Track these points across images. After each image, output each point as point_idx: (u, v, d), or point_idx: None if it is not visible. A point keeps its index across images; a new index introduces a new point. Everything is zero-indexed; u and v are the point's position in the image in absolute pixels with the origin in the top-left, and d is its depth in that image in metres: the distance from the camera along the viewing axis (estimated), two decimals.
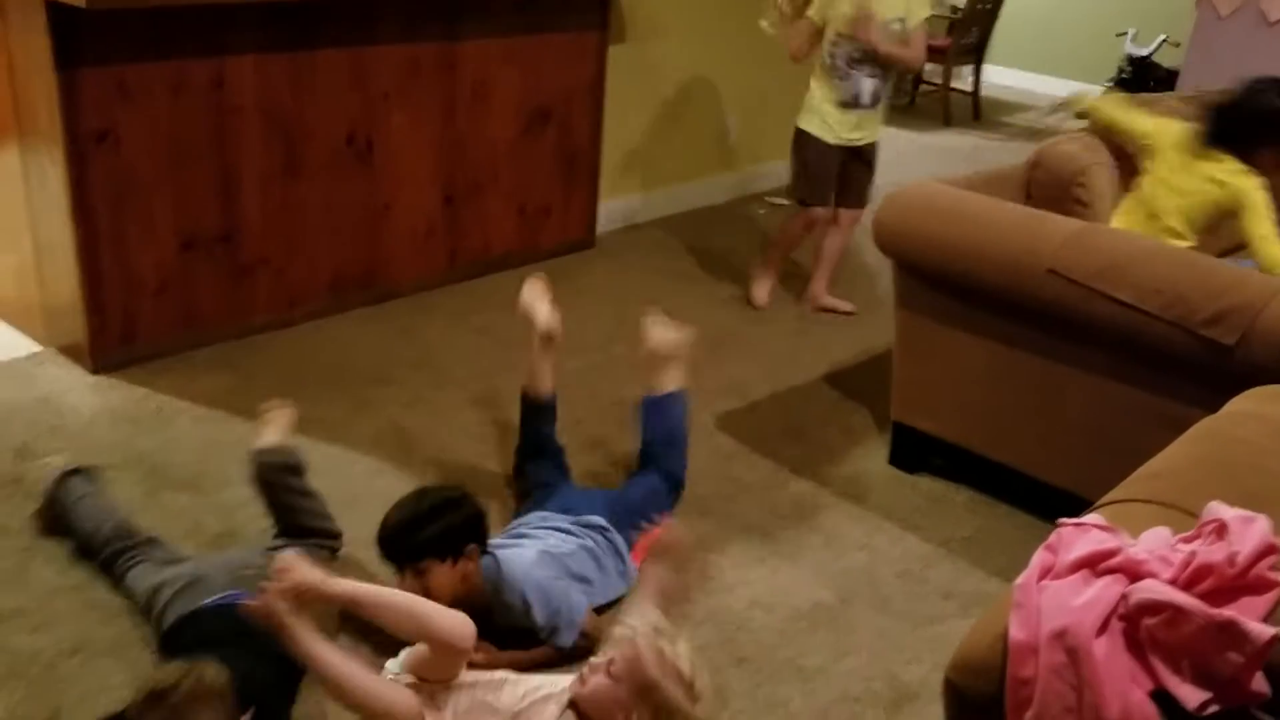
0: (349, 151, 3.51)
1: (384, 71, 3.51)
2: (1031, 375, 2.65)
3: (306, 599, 1.79)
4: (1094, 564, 1.17)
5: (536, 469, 2.62)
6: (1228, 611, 1.05)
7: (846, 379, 3.48)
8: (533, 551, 2.25)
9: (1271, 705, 1.05)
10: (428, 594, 2.04)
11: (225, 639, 1.87)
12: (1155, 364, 2.43)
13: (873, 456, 3.05)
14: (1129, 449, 2.52)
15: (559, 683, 1.88)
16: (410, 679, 1.89)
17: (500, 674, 1.94)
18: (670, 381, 2.70)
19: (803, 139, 3.72)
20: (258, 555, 2.15)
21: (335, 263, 3.59)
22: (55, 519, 2.39)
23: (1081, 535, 1.20)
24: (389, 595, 1.88)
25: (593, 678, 1.78)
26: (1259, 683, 1.04)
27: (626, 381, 3.32)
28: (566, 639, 2.15)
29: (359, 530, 2.54)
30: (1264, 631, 1.04)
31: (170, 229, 3.16)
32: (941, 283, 2.74)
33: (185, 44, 3.03)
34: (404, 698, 1.82)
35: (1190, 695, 1.05)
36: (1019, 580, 1.19)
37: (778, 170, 5.27)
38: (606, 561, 2.36)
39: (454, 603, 1.95)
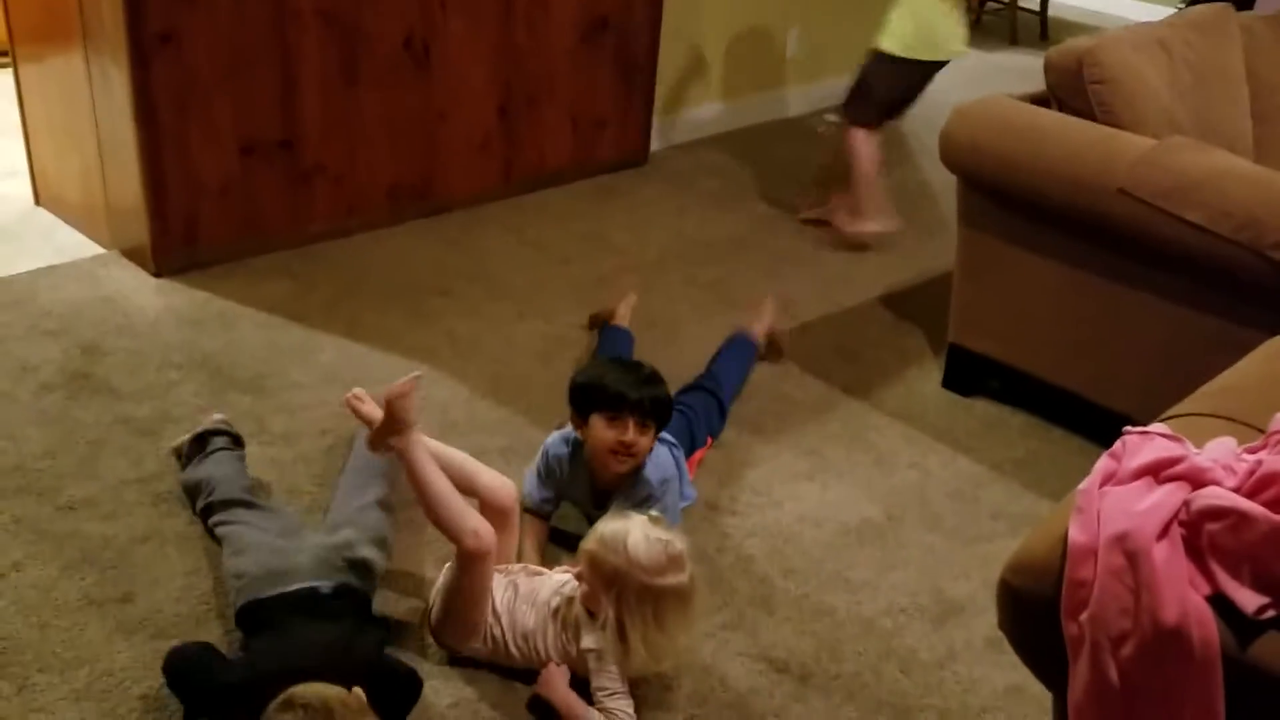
0: (406, 56, 3.49)
1: None
2: (1096, 298, 2.61)
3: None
4: (1157, 471, 1.16)
5: None
6: None
7: (901, 301, 3.45)
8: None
9: None
10: (633, 449, 2.16)
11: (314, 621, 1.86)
12: (1223, 288, 2.39)
13: (927, 379, 3.04)
14: (1192, 374, 2.48)
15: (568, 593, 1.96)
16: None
17: (534, 569, 2.04)
18: (759, 328, 2.93)
19: (889, 62, 3.58)
20: (341, 542, 2.02)
21: (392, 172, 3.60)
22: (188, 459, 2.32)
23: (1146, 443, 1.20)
24: (465, 459, 2.10)
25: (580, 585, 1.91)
26: None
27: (679, 300, 3.33)
28: (672, 507, 2.22)
29: (425, 434, 2.59)
30: None
31: (231, 133, 3.18)
32: (1008, 201, 2.70)
33: None
34: (486, 525, 1.92)
35: (1249, 600, 1.05)
36: (1081, 485, 1.19)
37: (841, 86, 5.17)
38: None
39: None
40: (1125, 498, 1.14)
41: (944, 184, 4.16)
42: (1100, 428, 2.71)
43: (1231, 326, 2.41)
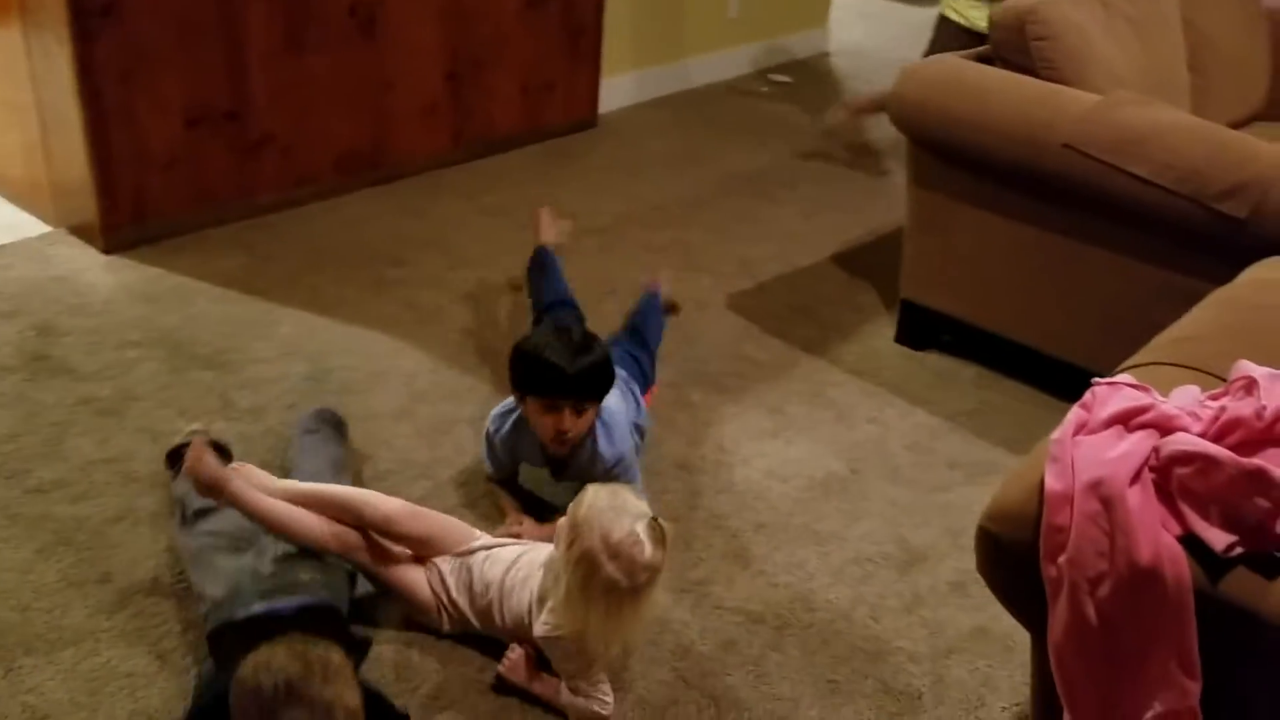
0: (352, 23, 3.46)
1: None
2: (1044, 251, 2.69)
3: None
4: (1127, 420, 1.22)
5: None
6: (1257, 460, 1.11)
7: (854, 260, 3.51)
8: (613, 398, 2.26)
9: None
10: (568, 436, 2.13)
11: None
12: (1168, 238, 2.47)
13: (881, 335, 3.11)
14: (1138, 323, 2.58)
15: (536, 560, 1.94)
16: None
17: (481, 545, 2.01)
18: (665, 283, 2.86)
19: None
20: (306, 557, 1.91)
21: (342, 140, 3.57)
22: (172, 472, 2.22)
23: (1115, 393, 1.26)
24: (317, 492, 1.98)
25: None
26: None
27: (638, 264, 3.35)
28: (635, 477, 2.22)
29: (387, 405, 2.61)
30: None
31: (177, 105, 3.14)
32: (957, 158, 2.76)
33: None
34: (421, 587, 1.93)
35: (1218, 539, 1.12)
36: (1055, 435, 1.25)
37: (785, 45, 5.21)
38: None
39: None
40: (1098, 446, 1.21)
41: (890, 142, 4.24)
42: (1047, 377, 2.82)
43: (1175, 276, 2.50)
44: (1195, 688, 1.14)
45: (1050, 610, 1.21)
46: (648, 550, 1.75)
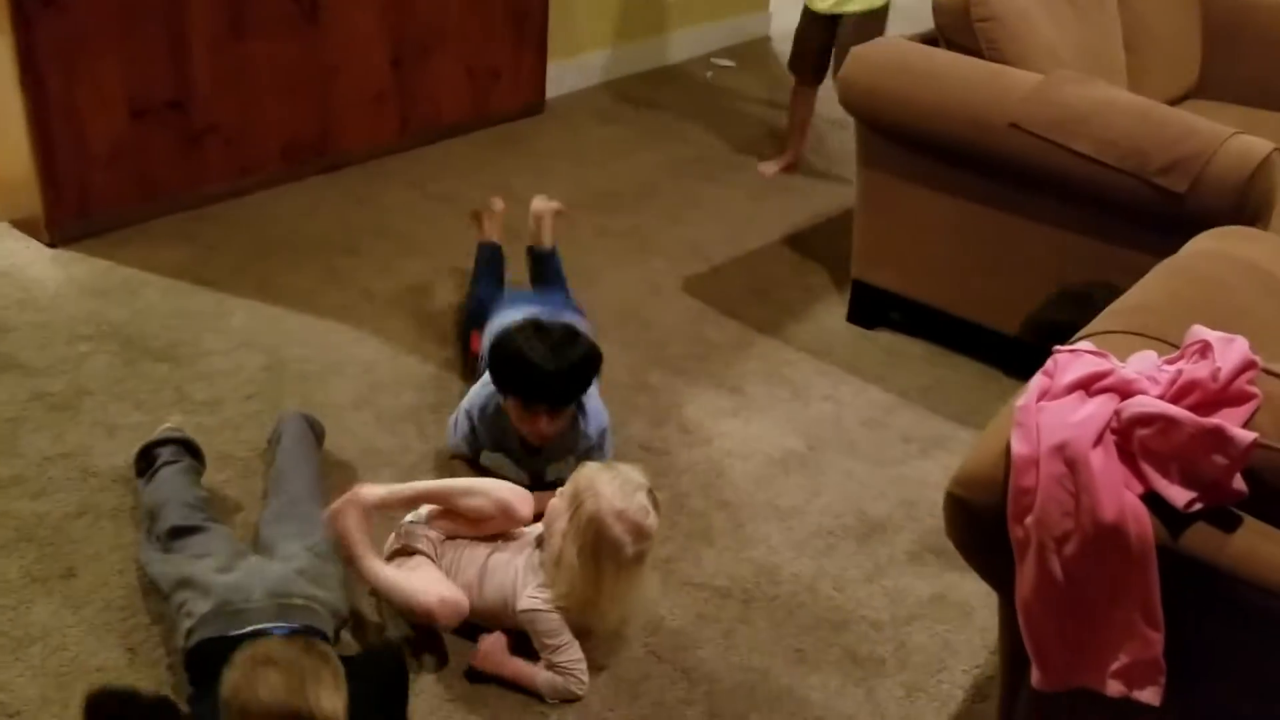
0: (295, 10, 3.42)
1: None
2: (992, 229, 2.76)
3: (380, 508, 1.93)
4: (1088, 385, 1.27)
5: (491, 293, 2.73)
6: (1214, 420, 1.17)
7: (803, 242, 3.56)
8: None
9: (1247, 504, 1.17)
10: (547, 436, 2.17)
11: None
12: (1111, 213, 2.55)
13: (833, 314, 3.16)
14: None
15: (518, 545, 1.98)
16: (428, 531, 1.99)
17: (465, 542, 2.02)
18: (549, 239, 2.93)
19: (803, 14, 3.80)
20: (298, 580, 1.85)
21: (286, 129, 3.53)
22: (139, 475, 2.17)
23: (1075, 360, 1.31)
24: (450, 482, 2.03)
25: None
26: (1238, 483, 1.17)
27: (593, 250, 3.37)
28: (609, 453, 2.27)
29: (347, 394, 2.61)
30: (1246, 436, 1.16)
31: (120, 96, 3.08)
32: (906, 140, 2.81)
33: None
34: (435, 600, 1.90)
35: (1178, 495, 1.17)
36: (1019, 402, 1.29)
37: (728, 28, 5.24)
38: None
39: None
40: (1061, 410, 1.25)
41: (833, 124, 4.29)
42: (995, 352, 2.89)
43: (1116, 249, 2.57)
44: (1159, 639, 1.20)
45: (1018, 569, 1.26)
46: (652, 516, 1.84)
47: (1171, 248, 2.12)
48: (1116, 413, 1.24)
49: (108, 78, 3.04)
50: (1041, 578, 1.24)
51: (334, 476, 2.29)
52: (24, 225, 3.11)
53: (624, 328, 2.96)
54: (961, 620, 2.13)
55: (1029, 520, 1.24)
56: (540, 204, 2.96)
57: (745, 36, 5.36)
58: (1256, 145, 2.35)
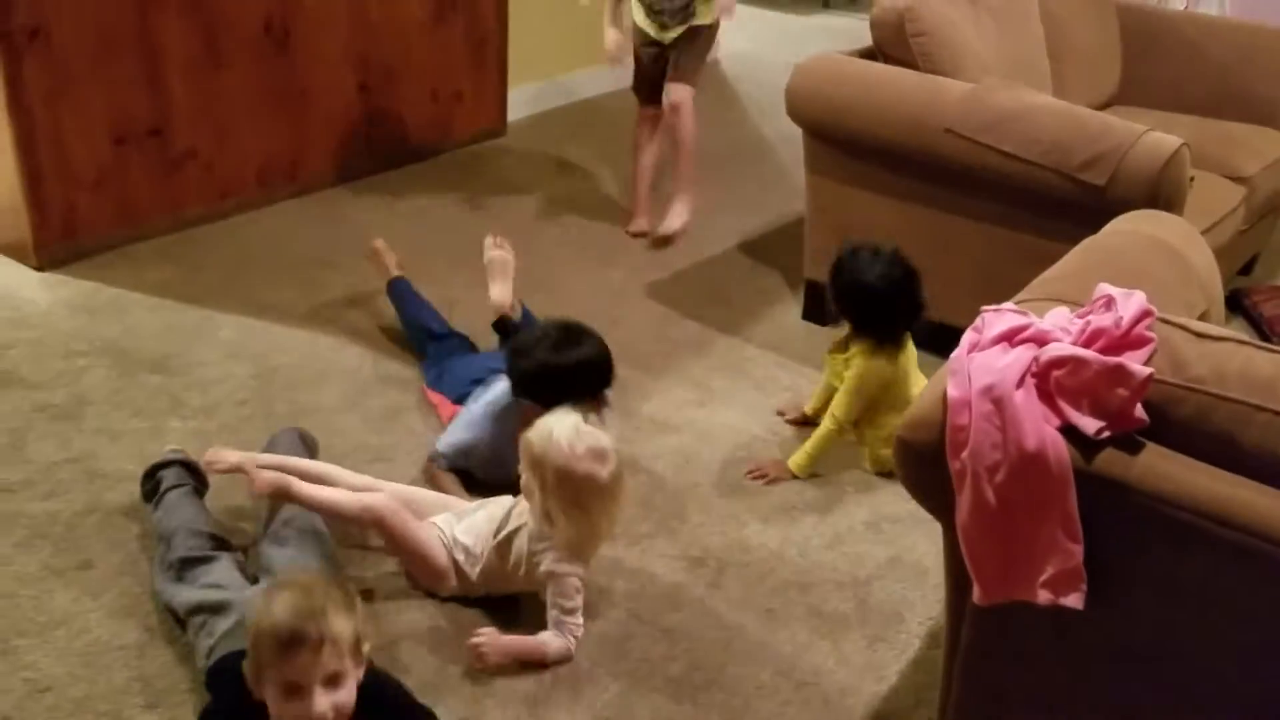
0: (267, 39, 3.58)
1: None
2: (931, 227, 2.97)
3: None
4: (1011, 337, 1.47)
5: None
6: (1116, 359, 1.36)
7: (755, 248, 3.75)
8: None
9: (1147, 431, 1.37)
10: None
11: None
12: (1038, 208, 2.77)
13: (788, 313, 3.35)
14: (1012, 286, 2.87)
15: (524, 513, 2.11)
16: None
17: (471, 506, 2.21)
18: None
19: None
20: None
21: (261, 153, 3.69)
22: (146, 498, 2.24)
23: (999, 317, 1.50)
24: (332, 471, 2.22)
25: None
26: (1139, 412, 1.36)
27: (561, 263, 3.55)
28: None
29: (335, 397, 2.76)
30: (1143, 370, 1.35)
31: (103, 124, 3.23)
32: (849, 147, 3.02)
33: None
34: (437, 549, 2.09)
35: (1089, 424, 1.36)
36: (953, 354, 1.49)
37: None
38: None
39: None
40: (988, 359, 1.44)
41: (778, 138, 4.52)
42: (939, 342, 3.08)
43: (1047, 242, 2.76)
44: (1079, 550, 1.38)
45: (957, 498, 1.44)
46: (600, 437, 2.01)
47: None
48: (1035, 359, 1.43)
49: (91, 107, 3.18)
50: (977, 503, 1.42)
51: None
52: (11, 250, 3.23)
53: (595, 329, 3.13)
54: (917, 579, 2.32)
55: (964, 454, 1.42)
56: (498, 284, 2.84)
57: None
58: (1167, 140, 2.59)
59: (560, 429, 2.02)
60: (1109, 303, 1.45)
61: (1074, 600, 1.40)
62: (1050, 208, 2.75)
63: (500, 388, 2.44)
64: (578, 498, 1.99)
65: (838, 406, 2.58)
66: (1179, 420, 1.37)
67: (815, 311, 3.31)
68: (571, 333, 2.39)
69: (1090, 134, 2.67)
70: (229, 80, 3.51)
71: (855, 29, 6.78)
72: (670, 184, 3.77)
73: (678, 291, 3.41)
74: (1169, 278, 1.80)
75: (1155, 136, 2.61)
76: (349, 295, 3.21)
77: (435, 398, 2.69)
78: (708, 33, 3.63)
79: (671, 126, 3.67)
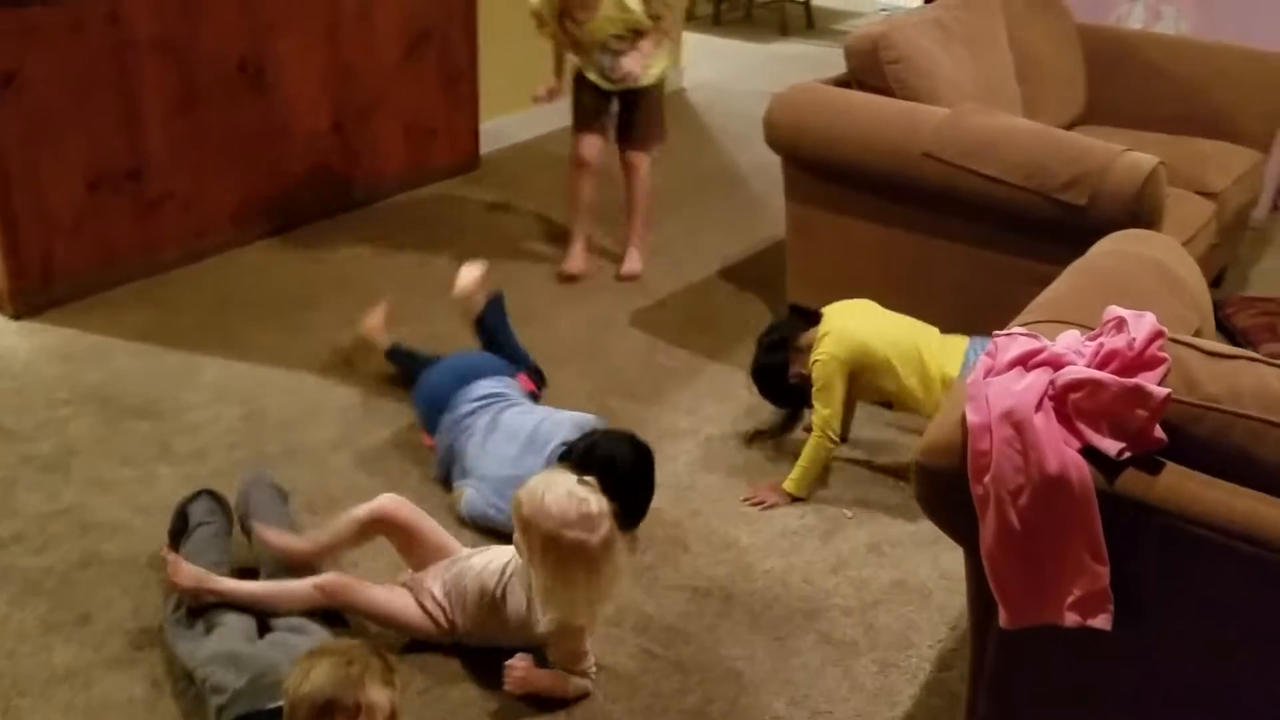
0: (241, 79, 3.57)
1: None
2: (911, 249, 3.01)
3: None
4: (1025, 361, 1.49)
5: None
6: (1134, 380, 1.39)
7: (737, 273, 3.78)
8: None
9: (1166, 450, 1.39)
10: None
11: None
12: (1019, 229, 2.81)
13: None
14: (998, 306, 2.90)
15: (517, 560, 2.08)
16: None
17: (466, 554, 2.17)
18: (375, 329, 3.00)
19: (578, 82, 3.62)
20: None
21: (238, 194, 3.66)
22: (175, 534, 2.21)
23: (1012, 342, 1.52)
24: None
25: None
26: (1158, 432, 1.38)
27: (542, 293, 3.55)
28: None
29: (325, 438, 2.73)
30: (1161, 391, 1.38)
31: (79, 169, 3.20)
32: (829, 173, 3.06)
33: None
34: (411, 609, 2.06)
35: (1110, 446, 1.38)
36: (970, 379, 1.50)
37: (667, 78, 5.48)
38: None
39: None
40: (1005, 383, 1.46)
41: (752, 166, 4.56)
42: None
43: (1027, 262, 2.83)
44: (1105, 572, 1.40)
45: (980, 523, 1.45)
46: (593, 502, 1.94)
47: (1074, 257, 2.37)
48: (1051, 382, 1.45)
49: (67, 151, 3.15)
50: (1001, 527, 1.44)
51: (323, 510, 2.42)
52: None
53: (581, 359, 3.14)
54: (921, 602, 2.33)
55: (987, 479, 1.44)
56: (466, 279, 2.93)
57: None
58: (1144, 160, 2.64)
59: (551, 494, 1.93)
60: (1120, 324, 1.48)
61: (1102, 621, 1.41)
62: (1030, 228, 2.80)
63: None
64: (562, 564, 1.92)
65: (816, 413, 2.60)
66: (1196, 439, 1.40)
67: None
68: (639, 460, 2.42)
69: (1069, 155, 2.72)
70: (205, 121, 3.49)
71: (814, 55, 6.89)
72: (623, 228, 3.74)
73: (663, 319, 3.43)
74: (1164, 296, 1.83)
75: (1133, 156, 2.66)
76: (334, 334, 3.19)
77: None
78: (655, 91, 3.59)
79: (629, 184, 3.68)
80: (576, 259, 3.67)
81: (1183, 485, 1.37)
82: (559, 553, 1.92)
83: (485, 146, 4.55)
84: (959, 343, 2.66)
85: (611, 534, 1.97)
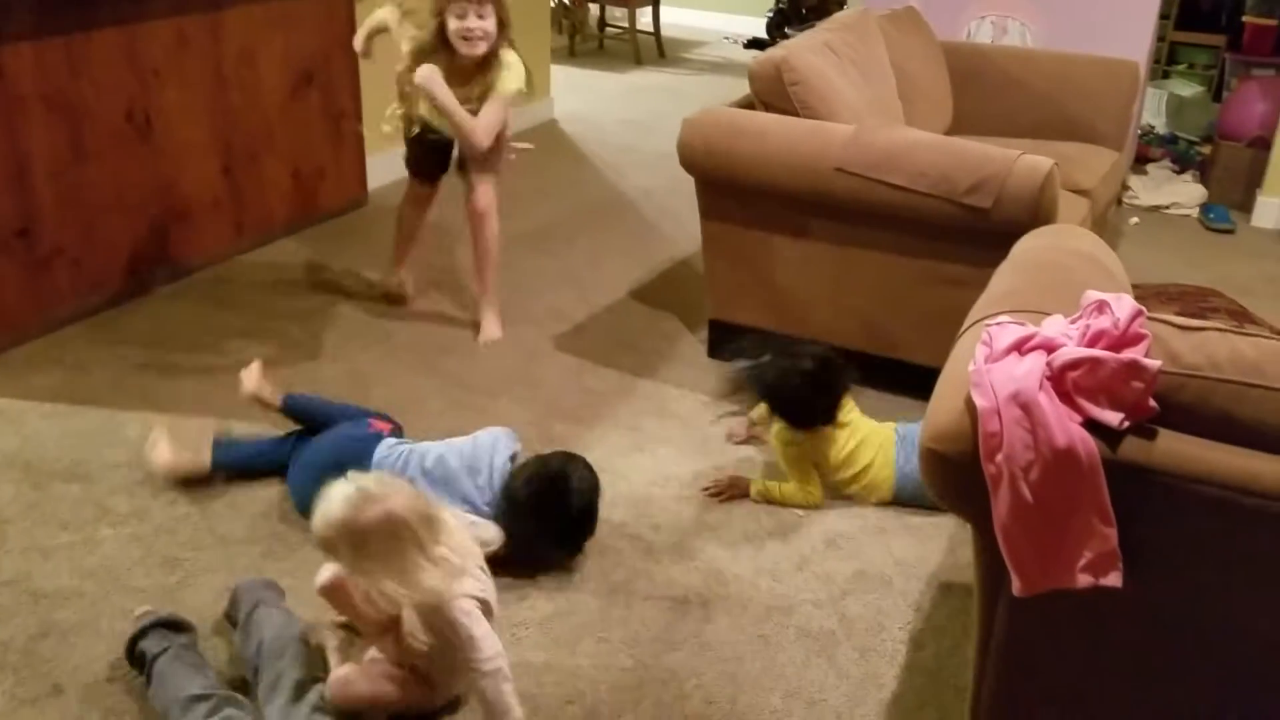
0: (130, 129, 3.46)
1: (154, 47, 3.48)
2: (828, 259, 3.15)
3: None
4: (1020, 346, 1.61)
5: None
6: (1127, 354, 1.52)
7: (647, 294, 3.86)
8: None
9: (1158, 419, 1.53)
10: None
11: None
12: (929, 234, 2.98)
13: (695, 353, 3.46)
14: (914, 308, 3.09)
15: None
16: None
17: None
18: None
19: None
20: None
21: (131, 244, 3.54)
22: (137, 665, 2.06)
23: (1004, 329, 1.65)
24: None
25: None
26: (1151, 402, 1.52)
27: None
28: None
29: (272, 487, 2.67)
30: (1154, 364, 1.51)
31: None
32: (744, 193, 3.17)
33: None
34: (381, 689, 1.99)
35: (1112, 417, 1.51)
36: (972, 367, 1.61)
37: (518, 115, 5.53)
38: None
39: None
40: (1006, 368, 1.58)
41: (637, 192, 4.66)
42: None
43: (939, 264, 3.01)
44: (1113, 534, 1.53)
45: (994, 499, 1.56)
46: (366, 482, 1.92)
47: (983, 258, 2.51)
48: (1048, 364, 1.58)
49: None
50: (1015, 501, 1.55)
51: (279, 552, 2.37)
52: None
53: (514, 389, 3.16)
54: (884, 589, 2.44)
55: (999, 458, 1.55)
56: (248, 380, 2.73)
57: (536, 120, 5.69)
58: (1041, 162, 2.85)
59: (335, 502, 1.88)
60: (1101, 306, 1.62)
61: (1113, 579, 1.54)
62: (939, 233, 2.97)
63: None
64: (383, 544, 1.87)
65: (800, 488, 2.72)
66: (1181, 405, 1.54)
67: (721, 349, 3.43)
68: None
69: (971, 163, 2.90)
70: (94, 173, 3.37)
71: (670, 84, 7.08)
72: (473, 286, 3.59)
73: (585, 343, 3.47)
74: (1106, 284, 1.99)
75: (1030, 159, 2.87)
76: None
77: None
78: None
79: (476, 232, 3.46)
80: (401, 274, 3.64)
81: (1180, 448, 1.51)
82: (372, 537, 1.86)
83: (373, 180, 4.51)
84: (887, 432, 2.79)
85: (404, 494, 1.93)
